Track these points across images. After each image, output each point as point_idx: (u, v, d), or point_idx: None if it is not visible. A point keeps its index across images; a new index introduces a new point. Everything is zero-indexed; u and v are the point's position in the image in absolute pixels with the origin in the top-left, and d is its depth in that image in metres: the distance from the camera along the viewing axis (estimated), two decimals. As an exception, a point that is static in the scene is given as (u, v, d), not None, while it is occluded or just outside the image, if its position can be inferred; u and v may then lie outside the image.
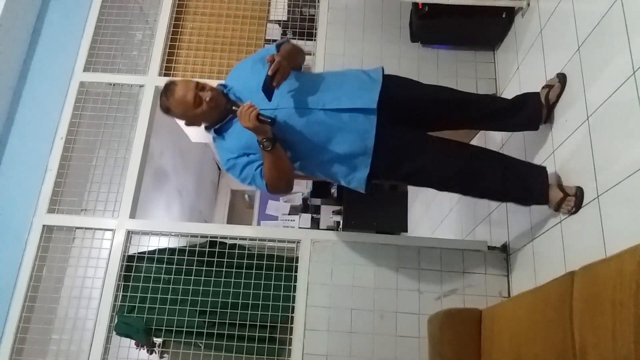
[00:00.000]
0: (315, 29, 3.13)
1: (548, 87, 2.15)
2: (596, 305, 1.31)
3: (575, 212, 1.96)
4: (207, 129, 2.09)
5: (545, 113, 2.16)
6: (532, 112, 2.17)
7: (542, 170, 2.10)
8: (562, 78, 2.11)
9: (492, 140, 2.93)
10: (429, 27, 2.94)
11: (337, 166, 2.04)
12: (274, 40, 3.44)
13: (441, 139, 2.12)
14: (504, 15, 2.77)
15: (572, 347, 1.39)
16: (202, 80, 2.03)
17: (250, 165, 2.01)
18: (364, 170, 2.01)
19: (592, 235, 1.81)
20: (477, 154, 2.16)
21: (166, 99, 1.99)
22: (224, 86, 2.08)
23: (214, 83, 2.93)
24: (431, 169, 2.05)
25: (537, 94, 2.19)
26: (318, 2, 3.19)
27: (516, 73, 2.69)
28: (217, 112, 1.99)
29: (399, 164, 2.05)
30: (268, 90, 1.86)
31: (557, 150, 2.15)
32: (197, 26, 3.17)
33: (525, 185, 2.06)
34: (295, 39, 3.31)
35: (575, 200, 1.93)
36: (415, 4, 2.88)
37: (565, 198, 1.97)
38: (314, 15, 3.21)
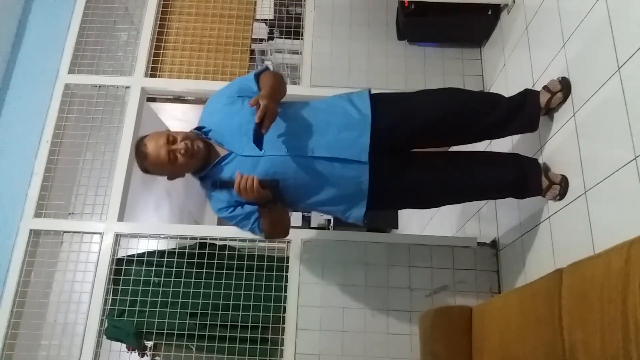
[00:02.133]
0: (302, 28, 3.11)
1: (550, 92, 2.01)
2: (585, 303, 1.32)
3: (560, 200, 1.99)
4: (194, 175, 1.97)
5: (544, 112, 2.08)
6: (530, 117, 2.06)
7: (535, 163, 2.10)
8: (565, 86, 1.99)
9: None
10: (415, 25, 2.94)
11: (332, 207, 1.97)
12: (261, 40, 3.44)
13: (437, 159, 2.05)
14: (489, 12, 2.78)
15: (561, 344, 1.40)
16: (171, 132, 1.88)
17: (246, 220, 1.92)
18: (361, 209, 1.93)
19: (580, 231, 1.83)
20: (477, 163, 2.09)
21: (141, 162, 1.88)
22: (199, 129, 1.94)
23: (200, 85, 2.96)
24: (434, 197, 2.06)
25: (537, 97, 2.05)
26: (304, 0, 3.18)
27: (503, 69, 2.70)
28: (196, 160, 1.86)
29: (398, 200, 2.07)
30: (258, 139, 1.70)
31: (544, 147, 2.16)
32: (183, 26, 3.15)
33: (524, 181, 2.04)
34: (282, 37, 3.30)
35: (560, 188, 1.96)
36: (401, 2, 2.89)
37: (550, 186, 1.99)
38: (300, 14, 3.20)
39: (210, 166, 1.89)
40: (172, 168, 1.85)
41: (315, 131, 1.86)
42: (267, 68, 2.04)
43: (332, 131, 1.86)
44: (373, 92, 2.01)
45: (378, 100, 1.97)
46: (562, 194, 1.97)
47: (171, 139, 1.82)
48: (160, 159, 1.81)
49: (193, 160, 1.85)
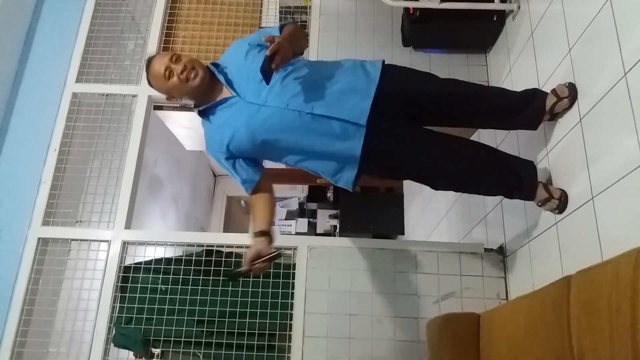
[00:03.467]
0: (308, 35, 3.13)
1: (557, 96, 2.01)
2: (593, 310, 1.32)
3: (559, 213, 2.01)
4: (194, 107, 2.02)
5: (548, 117, 2.09)
6: (533, 114, 2.07)
7: (531, 165, 2.09)
8: (572, 92, 1.98)
9: (487, 138, 2.93)
10: (420, 32, 2.95)
11: (322, 166, 1.98)
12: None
13: (434, 134, 2.04)
14: (495, 18, 2.78)
15: (570, 352, 1.39)
16: (182, 54, 1.94)
17: (239, 179, 2.01)
18: (351, 172, 1.94)
19: (587, 237, 1.82)
20: (469, 149, 2.08)
21: (147, 73, 1.96)
22: (216, 65, 1.98)
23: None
24: (423, 169, 2.02)
25: (544, 97, 2.06)
26: (309, 8, 3.19)
27: (508, 75, 2.70)
28: (192, 86, 1.88)
29: (388, 166, 2.03)
30: (266, 72, 1.71)
31: (550, 152, 2.15)
32: (189, 34, 3.17)
33: (517, 180, 2.04)
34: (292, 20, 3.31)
35: (558, 203, 1.98)
36: (406, 9, 2.89)
37: (549, 199, 2.00)
38: (305, 22, 3.21)
39: (211, 102, 1.94)
40: (166, 86, 1.90)
41: (319, 88, 1.88)
42: (293, 21, 2.09)
43: (336, 91, 1.88)
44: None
45: (390, 70, 1.99)
46: (560, 209, 1.99)
47: (174, 58, 1.88)
48: (158, 73, 1.88)
49: (187, 84, 1.88)
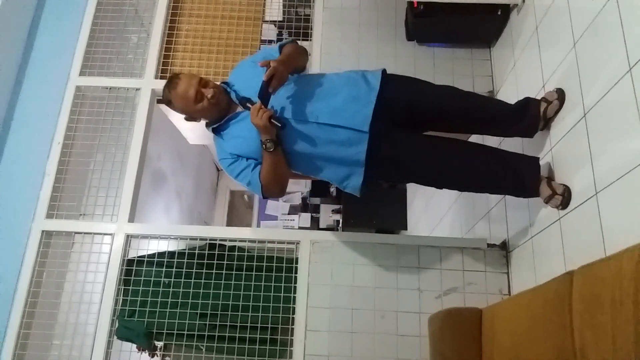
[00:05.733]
0: (311, 29, 3.12)
1: (547, 101, 2.11)
2: (595, 305, 1.31)
3: (562, 209, 2.02)
4: (207, 125, 2.11)
5: (542, 124, 2.15)
6: (530, 122, 2.14)
7: (535, 164, 2.11)
8: (560, 95, 2.08)
9: (490, 137, 2.93)
10: (424, 26, 2.93)
11: (330, 173, 2.06)
12: (270, 41, 3.45)
13: (434, 138, 2.11)
14: (499, 13, 2.77)
15: (572, 347, 1.39)
16: (205, 77, 2.04)
17: (247, 169, 2.04)
18: (358, 178, 2.03)
19: (591, 233, 1.81)
20: (471, 151, 2.15)
21: (169, 92, 2.02)
22: (227, 84, 2.10)
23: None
24: (426, 172, 2.09)
25: (537, 103, 2.13)
26: (313, 2, 3.18)
27: (512, 70, 2.69)
28: (217, 109, 2.02)
29: (392, 171, 2.11)
30: (264, 96, 1.85)
31: (554, 148, 2.14)
32: (193, 28, 3.16)
33: (519, 180, 2.08)
34: (291, 39, 3.30)
35: (562, 199, 1.99)
36: (410, 3, 2.87)
37: (553, 196, 2.02)
38: (309, 15, 3.20)
39: (224, 119, 2.05)
40: (194, 107, 1.99)
41: (322, 99, 1.98)
42: (293, 41, 2.16)
43: (339, 100, 1.97)
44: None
45: (390, 78, 2.07)
46: (564, 204, 2.00)
47: (203, 82, 1.99)
48: (188, 94, 1.96)
49: (215, 108, 2.01)
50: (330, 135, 1.95)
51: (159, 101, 3.16)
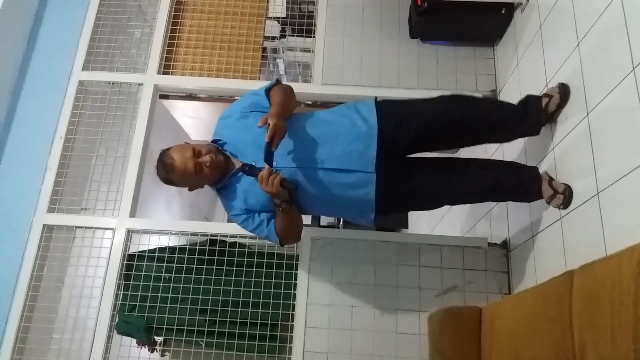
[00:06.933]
0: (314, 26, 3.12)
1: (548, 96, 2.10)
2: (595, 305, 1.31)
3: (564, 209, 2.02)
4: (211, 186, 2.06)
5: (545, 119, 2.13)
6: (533, 118, 2.11)
7: (534, 169, 2.16)
8: (562, 89, 2.06)
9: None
10: (428, 23, 2.93)
11: (342, 212, 2.11)
12: (273, 38, 3.45)
13: (436, 164, 2.11)
14: (503, 11, 2.76)
15: (571, 346, 1.39)
16: (195, 144, 1.95)
17: (261, 225, 2.01)
18: (370, 215, 2.03)
19: (591, 233, 1.81)
20: (476, 169, 2.15)
21: (166, 174, 1.94)
22: (216, 141, 2.03)
23: (212, 83, 2.97)
24: (437, 199, 2.14)
25: (539, 100, 2.11)
26: (317, -2, 3.18)
27: (516, 69, 2.68)
28: (218, 172, 1.95)
29: (406, 203, 2.16)
30: (269, 157, 1.78)
31: (557, 147, 2.14)
32: (196, 24, 3.16)
33: (524, 186, 2.11)
34: (294, 35, 3.30)
35: (564, 198, 1.99)
36: (414, 0, 2.87)
37: (555, 195, 2.02)
38: (312, 12, 3.20)
39: (227, 177, 1.98)
40: (197, 180, 1.95)
41: (324, 143, 1.94)
42: (277, 82, 2.08)
43: (341, 143, 1.93)
44: (379, 97, 2.09)
45: (384, 108, 2.03)
46: (565, 203, 2.00)
47: (197, 151, 1.90)
48: (187, 171, 1.89)
49: (216, 172, 1.94)
50: (338, 179, 1.93)
51: (161, 96, 3.16)
